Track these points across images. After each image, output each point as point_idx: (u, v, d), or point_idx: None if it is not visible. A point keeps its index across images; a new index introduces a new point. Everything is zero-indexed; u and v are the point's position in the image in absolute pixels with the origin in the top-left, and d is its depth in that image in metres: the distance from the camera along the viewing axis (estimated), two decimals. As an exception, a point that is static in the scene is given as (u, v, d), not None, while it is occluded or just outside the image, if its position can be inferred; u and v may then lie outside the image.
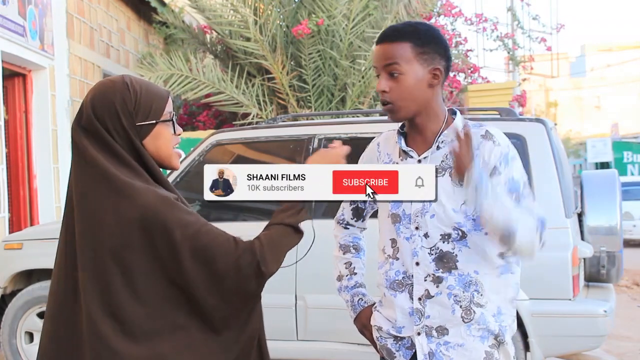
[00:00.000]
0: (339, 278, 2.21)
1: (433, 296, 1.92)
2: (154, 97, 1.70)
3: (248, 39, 8.09)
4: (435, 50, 1.91)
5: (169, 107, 1.73)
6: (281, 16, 8.53)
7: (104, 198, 1.60)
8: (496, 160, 1.89)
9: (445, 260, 1.90)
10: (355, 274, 2.20)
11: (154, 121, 1.69)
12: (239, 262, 1.62)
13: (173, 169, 1.79)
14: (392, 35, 1.91)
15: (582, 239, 4.31)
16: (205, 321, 1.65)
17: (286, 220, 1.75)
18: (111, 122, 1.65)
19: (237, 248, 1.64)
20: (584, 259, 4.19)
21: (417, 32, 1.90)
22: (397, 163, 2.00)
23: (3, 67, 6.52)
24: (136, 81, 1.70)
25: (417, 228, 1.93)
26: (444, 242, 1.91)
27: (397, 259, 1.99)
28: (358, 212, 2.21)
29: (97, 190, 1.61)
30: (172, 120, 1.74)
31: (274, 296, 4.25)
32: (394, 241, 2.00)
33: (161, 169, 1.73)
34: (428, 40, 1.90)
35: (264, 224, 1.75)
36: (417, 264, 1.93)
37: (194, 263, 1.59)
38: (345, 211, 2.23)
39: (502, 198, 1.79)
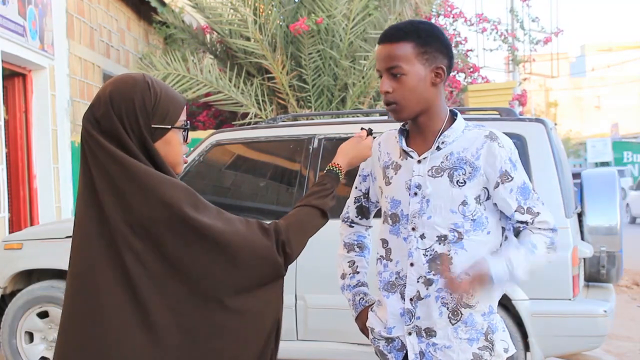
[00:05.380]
0: (342, 276, 2.21)
1: (423, 298, 1.92)
2: (172, 101, 1.70)
3: (248, 39, 8.09)
4: (437, 49, 1.90)
5: (184, 116, 1.74)
6: (281, 16, 8.53)
7: (132, 191, 1.59)
8: (504, 164, 1.90)
9: (438, 262, 1.90)
10: (358, 272, 2.20)
11: (169, 126, 1.69)
12: (271, 246, 1.66)
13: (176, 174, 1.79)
14: (393, 35, 1.91)
15: (582, 239, 4.31)
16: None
17: (313, 202, 1.79)
18: (127, 119, 1.63)
19: (264, 232, 1.67)
20: (584, 259, 4.19)
21: (418, 32, 1.89)
22: (397, 162, 2.01)
23: (3, 67, 6.52)
24: (156, 82, 1.70)
25: (413, 229, 1.93)
26: (440, 243, 1.90)
27: (390, 260, 1.99)
28: (362, 210, 2.21)
29: (124, 184, 1.59)
30: (185, 128, 1.74)
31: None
32: (384, 241, 2.01)
33: None
34: (430, 39, 1.90)
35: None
36: (412, 264, 1.93)
37: (219, 255, 1.61)
38: (349, 209, 2.23)
39: (517, 261, 1.89)
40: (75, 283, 1.64)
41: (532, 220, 1.93)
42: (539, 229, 1.94)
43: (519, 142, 3.92)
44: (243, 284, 1.65)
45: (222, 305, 1.63)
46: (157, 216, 1.58)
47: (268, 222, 1.74)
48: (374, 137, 2.07)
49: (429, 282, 1.91)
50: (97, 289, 1.60)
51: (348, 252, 2.21)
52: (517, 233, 1.98)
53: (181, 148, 1.74)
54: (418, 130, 1.98)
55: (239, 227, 1.66)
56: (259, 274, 1.67)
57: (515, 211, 1.92)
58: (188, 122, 1.77)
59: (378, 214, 2.21)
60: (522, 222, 1.95)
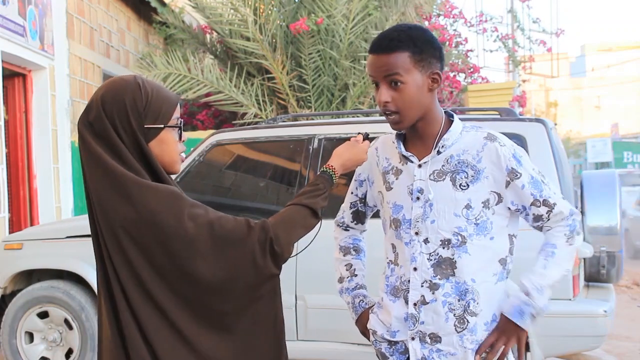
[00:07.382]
0: (340, 280, 2.21)
1: (428, 302, 1.91)
2: (164, 100, 1.70)
3: (248, 39, 8.09)
4: (432, 55, 1.89)
5: (177, 114, 1.74)
6: (281, 16, 8.53)
7: (111, 197, 1.61)
8: (509, 162, 1.89)
9: (443, 267, 1.89)
10: (356, 275, 2.19)
11: (162, 125, 1.69)
12: (252, 243, 1.64)
13: (173, 173, 1.78)
14: (388, 45, 1.87)
15: (582, 239, 4.30)
16: (213, 320, 1.67)
17: (303, 201, 1.78)
18: (119, 121, 1.64)
19: (249, 229, 1.66)
20: (584, 259, 4.19)
21: (413, 40, 1.87)
22: (397, 167, 2.00)
23: (3, 67, 6.52)
24: (148, 83, 1.70)
25: (416, 233, 1.92)
26: (443, 248, 1.90)
27: (398, 264, 1.98)
28: (358, 216, 2.21)
29: (105, 188, 1.62)
30: (179, 126, 1.74)
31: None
32: (394, 246, 2.00)
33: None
34: (424, 47, 1.88)
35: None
36: (415, 269, 1.92)
37: (208, 253, 1.61)
38: (345, 214, 2.22)
39: (543, 276, 1.97)
40: (97, 281, 1.71)
41: (549, 215, 1.92)
42: (556, 222, 1.93)
43: (519, 142, 3.91)
44: (228, 289, 1.65)
45: (209, 308, 1.66)
46: (140, 224, 1.59)
47: None
48: (371, 141, 2.07)
49: (434, 287, 1.90)
50: (99, 288, 1.68)
51: (344, 255, 2.21)
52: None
53: (177, 146, 1.74)
54: (416, 135, 1.97)
55: (219, 230, 1.64)
56: (240, 276, 1.66)
57: (532, 205, 1.91)
58: (182, 120, 1.76)
59: (375, 216, 2.21)
60: (539, 218, 1.93)
